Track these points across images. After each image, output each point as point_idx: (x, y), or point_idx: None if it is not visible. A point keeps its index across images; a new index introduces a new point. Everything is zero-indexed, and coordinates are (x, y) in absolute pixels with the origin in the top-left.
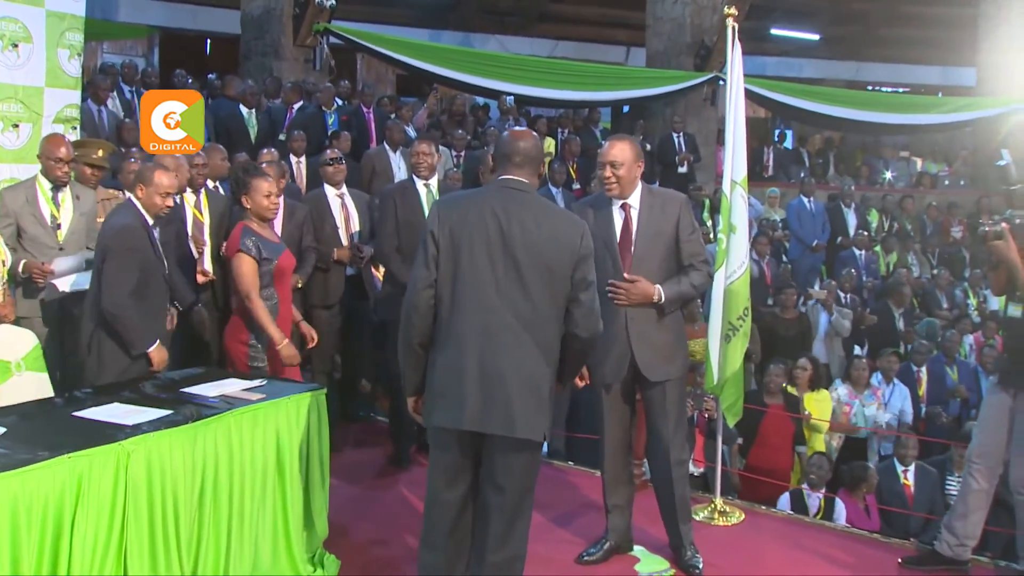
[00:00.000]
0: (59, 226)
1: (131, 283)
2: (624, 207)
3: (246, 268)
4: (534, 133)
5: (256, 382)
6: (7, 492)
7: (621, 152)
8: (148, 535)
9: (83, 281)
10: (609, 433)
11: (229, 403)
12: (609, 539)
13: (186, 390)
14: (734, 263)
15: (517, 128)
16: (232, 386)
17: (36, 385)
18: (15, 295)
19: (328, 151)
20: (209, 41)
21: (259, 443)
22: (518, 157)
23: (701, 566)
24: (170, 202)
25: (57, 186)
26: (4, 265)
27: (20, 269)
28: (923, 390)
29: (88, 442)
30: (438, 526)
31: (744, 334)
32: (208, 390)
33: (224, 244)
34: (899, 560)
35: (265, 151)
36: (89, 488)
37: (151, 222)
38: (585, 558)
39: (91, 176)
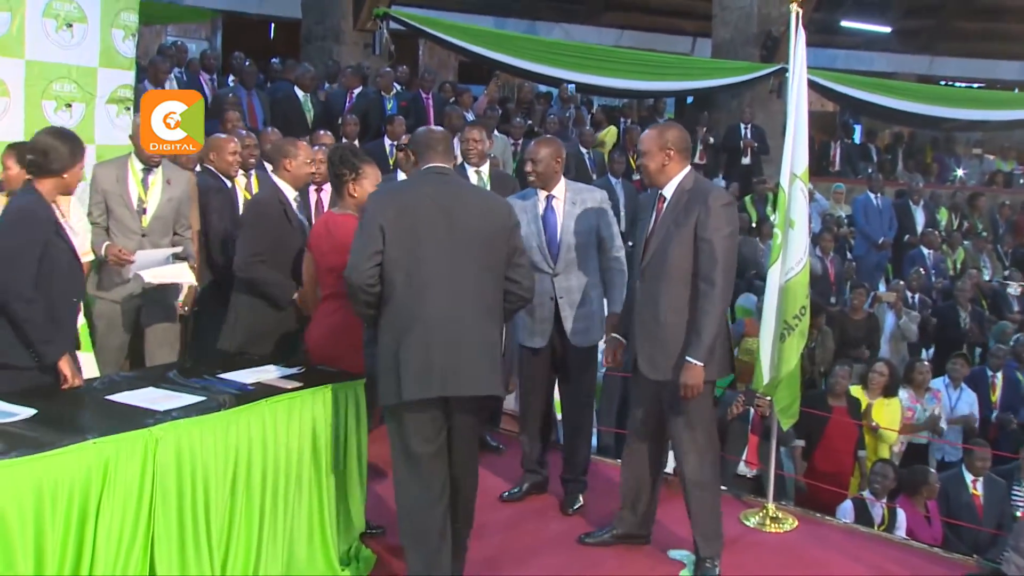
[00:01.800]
0: (144, 210)
1: (260, 247)
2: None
3: None
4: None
5: (294, 370)
6: (31, 476)
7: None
8: (176, 525)
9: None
10: (629, 423)
11: (264, 391)
12: (615, 528)
13: (224, 375)
14: (792, 259)
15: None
16: (270, 373)
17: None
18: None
19: (403, 137)
20: (273, 25)
21: (295, 433)
22: (440, 146)
23: None
24: (314, 168)
25: (148, 167)
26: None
27: (103, 252)
28: (996, 396)
29: (116, 427)
30: (422, 503)
31: (801, 333)
32: (245, 376)
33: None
34: None
35: (323, 132)
36: (116, 474)
37: (294, 194)
38: (586, 540)
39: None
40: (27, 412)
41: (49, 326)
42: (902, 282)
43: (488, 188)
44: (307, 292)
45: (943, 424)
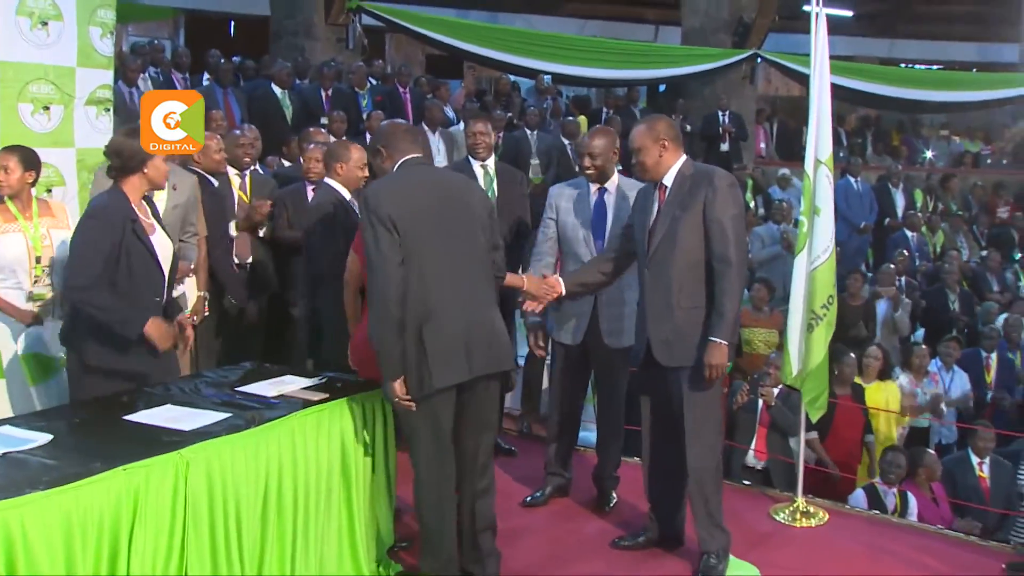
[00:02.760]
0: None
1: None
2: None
3: None
4: None
5: (315, 380)
6: (59, 509)
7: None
8: (209, 548)
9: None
10: (643, 423)
11: (290, 404)
12: (649, 532)
13: (242, 389)
14: (819, 247)
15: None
16: (290, 384)
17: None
18: None
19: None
20: (233, 23)
21: (324, 446)
22: (411, 135)
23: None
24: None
25: None
26: None
27: None
28: (991, 376)
29: (144, 451)
30: (446, 492)
31: (828, 323)
32: (265, 389)
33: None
34: (1003, 566)
35: (313, 129)
36: (147, 501)
37: (349, 196)
38: (619, 544)
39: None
40: (44, 438)
41: (120, 306)
42: (892, 266)
43: (495, 183)
44: (349, 296)
45: (943, 407)
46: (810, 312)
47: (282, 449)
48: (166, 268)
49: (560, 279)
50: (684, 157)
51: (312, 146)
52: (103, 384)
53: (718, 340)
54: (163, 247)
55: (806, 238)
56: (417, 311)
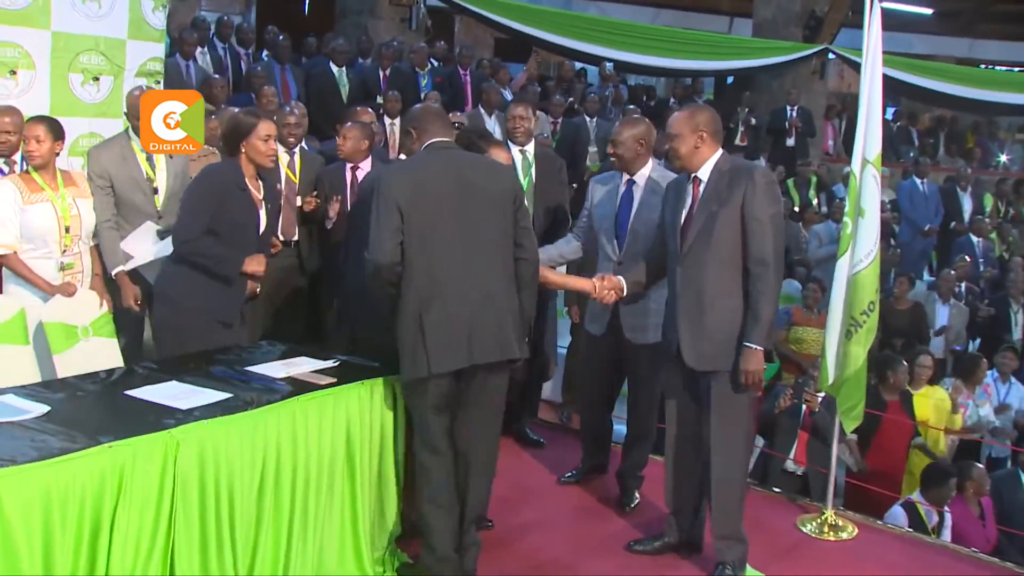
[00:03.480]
0: (156, 190)
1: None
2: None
3: None
4: None
5: (329, 363)
6: (39, 483)
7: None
8: (199, 534)
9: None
10: (668, 423)
11: (295, 387)
12: (667, 536)
13: (252, 368)
14: (862, 251)
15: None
16: (302, 366)
17: (104, 352)
18: None
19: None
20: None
21: (327, 432)
22: (439, 120)
23: None
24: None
25: None
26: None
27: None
28: None
29: (133, 428)
30: (442, 480)
31: (869, 330)
32: (275, 370)
33: None
34: None
35: (360, 108)
36: (132, 481)
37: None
38: (635, 547)
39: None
40: (40, 409)
41: (220, 250)
42: (953, 271)
43: (533, 169)
44: None
45: (996, 421)
46: (850, 318)
47: (281, 433)
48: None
49: (622, 278)
50: (721, 151)
51: (348, 124)
52: (190, 337)
53: (754, 346)
54: (262, 222)
55: (850, 240)
56: (421, 294)
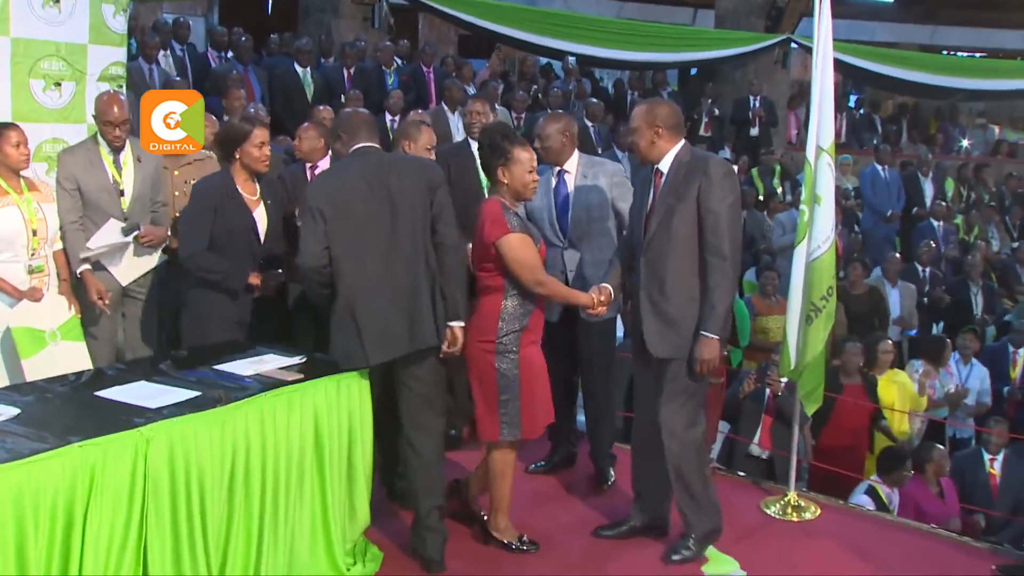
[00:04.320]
0: (123, 192)
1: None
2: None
3: (527, 247)
4: None
5: (296, 359)
6: (10, 484)
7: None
8: (171, 530)
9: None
10: (636, 409)
11: (263, 383)
12: (632, 520)
13: (220, 367)
14: (819, 237)
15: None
16: (270, 363)
17: (72, 356)
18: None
19: (411, 113)
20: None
21: (296, 427)
22: (365, 126)
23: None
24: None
25: (115, 149)
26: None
27: (78, 273)
28: (1017, 372)
29: (103, 428)
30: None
31: (828, 315)
32: (243, 367)
33: (484, 228)
34: (992, 567)
35: (322, 107)
36: (103, 480)
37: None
38: (601, 532)
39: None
40: (10, 412)
41: (224, 266)
42: (898, 255)
43: None
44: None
45: (969, 401)
46: (809, 303)
47: (250, 429)
48: (262, 237)
49: (607, 286)
50: (682, 143)
51: (304, 125)
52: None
53: (709, 335)
54: (262, 221)
55: (807, 228)
56: (347, 293)
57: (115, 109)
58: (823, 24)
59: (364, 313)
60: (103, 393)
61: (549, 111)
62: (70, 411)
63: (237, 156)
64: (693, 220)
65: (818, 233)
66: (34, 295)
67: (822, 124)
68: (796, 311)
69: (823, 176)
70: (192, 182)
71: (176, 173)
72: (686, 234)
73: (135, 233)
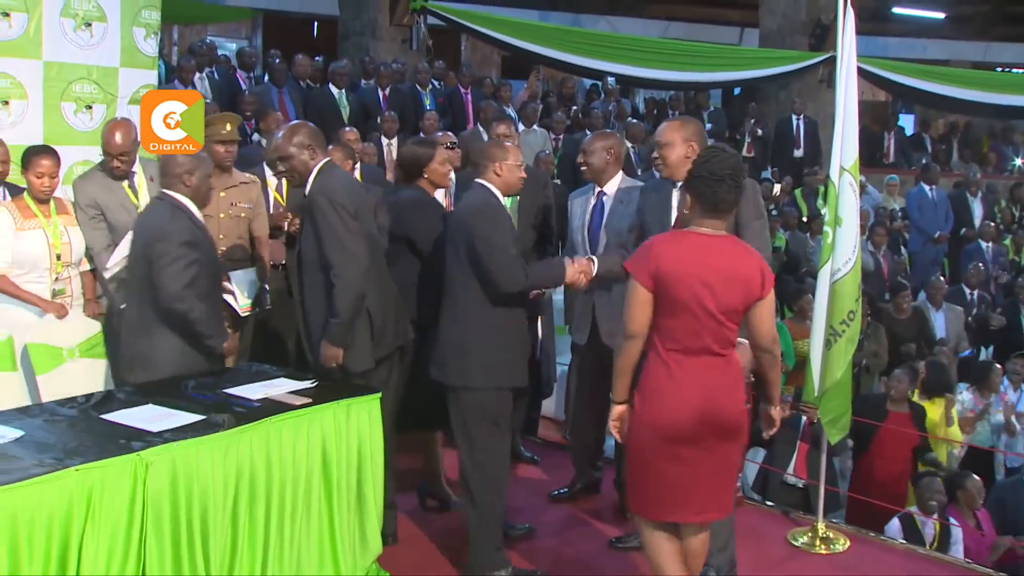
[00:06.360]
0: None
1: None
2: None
3: None
4: None
5: (306, 384)
6: (5, 507)
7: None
8: (171, 558)
9: None
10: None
11: (270, 407)
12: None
13: (229, 391)
14: (840, 259)
15: None
16: (279, 387)
17: (89, 373)
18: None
19: (440, 135)
20: (316, 23)
21: (302, 453)
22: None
23: None
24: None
25: (117, 178)
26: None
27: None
28: None
29: (102, 451)
30: None
31: (850, 339)
32: (252, 391)
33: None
34: None
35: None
36: (101, 504)
37: (506, 201)
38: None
39: (225, 154)
40: (14, 434)
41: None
42: (943, 278)
43: None
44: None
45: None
46: (829, 327)
47: (255, 454)
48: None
49: (594, 259)
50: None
51: (329, 147)
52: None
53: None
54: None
55: (830, 250)
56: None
57: (116, 138)
58: (847, 41)
59: (372, 311)
60: (108, 416)
61: (588, 132)
62: (73, 434)
63: (425, 175)
64: None
65: (840, 255)
66: (60, 310)
67: (845, 144)
68: (819, 335)
69: (845, 197)
70: (239, 204)
71: (222, 194)
72: None
73: None
